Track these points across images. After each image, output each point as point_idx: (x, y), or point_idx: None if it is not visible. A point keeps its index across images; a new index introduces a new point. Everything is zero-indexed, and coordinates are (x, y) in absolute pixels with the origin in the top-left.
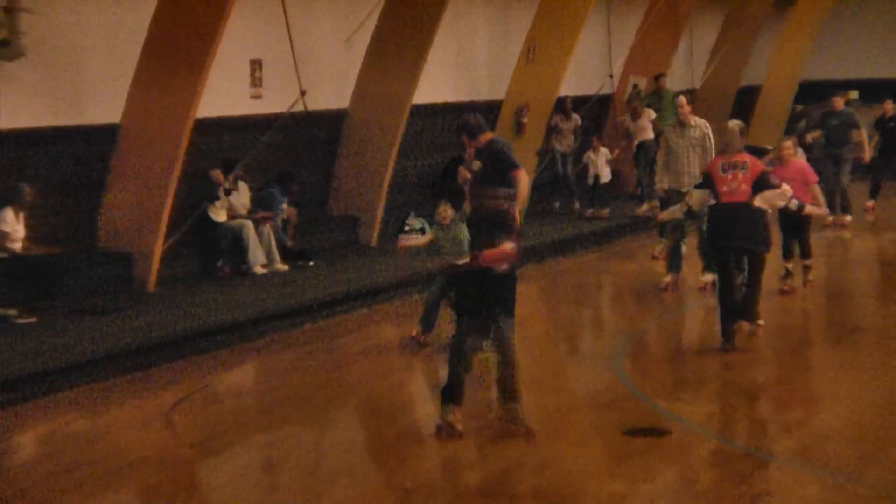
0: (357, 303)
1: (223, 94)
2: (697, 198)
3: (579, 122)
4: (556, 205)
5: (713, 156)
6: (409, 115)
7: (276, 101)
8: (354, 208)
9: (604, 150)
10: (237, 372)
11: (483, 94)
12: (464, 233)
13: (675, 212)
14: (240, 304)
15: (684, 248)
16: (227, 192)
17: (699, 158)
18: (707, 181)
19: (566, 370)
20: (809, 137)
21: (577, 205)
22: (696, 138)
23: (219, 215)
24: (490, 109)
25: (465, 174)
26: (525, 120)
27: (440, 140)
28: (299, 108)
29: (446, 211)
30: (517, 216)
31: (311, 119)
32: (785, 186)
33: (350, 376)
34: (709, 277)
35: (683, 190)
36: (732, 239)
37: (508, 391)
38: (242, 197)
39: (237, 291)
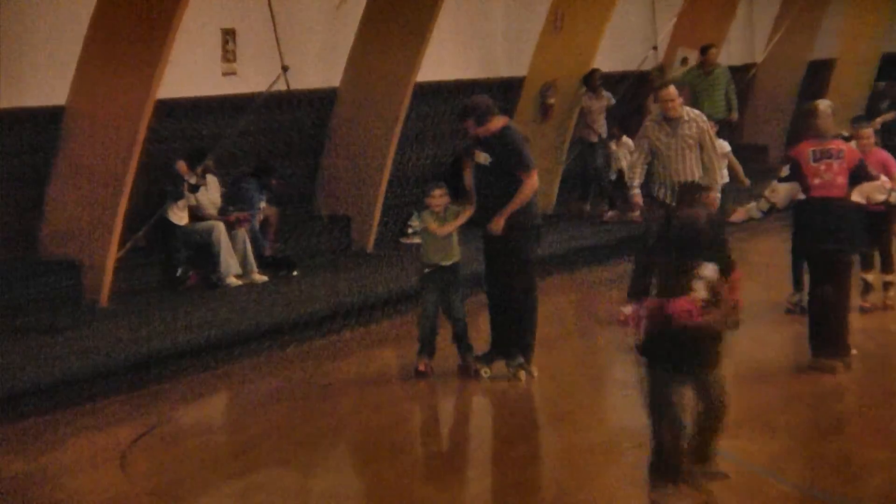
0: (350, 321)
1: (189, 71)
2: (784, 192)
3: (611, 100)
4: (587, 207)
5: (715, 157)
6: (413, 95)
7: (252, 78)
8: (347, 207)
9: (627, 141)
10: (205, 404)
11: (501, 69)
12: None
13: (751, 210)
14: (209, 322)
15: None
16: (194, 189)
17: (697, 161)
18: (795, 172)
19: (603, 402)
20: (879, 121)
21: (587, 206)
22: (690, 136)
23: (182, 217)
24: (509, 88)
25: (471, 167)
26: (551, 101)
27: (449, 125)
28: (280, 86)
29: (442, 196)
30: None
31: (295, 100)
32: (884, 178)
33: (341, 409)
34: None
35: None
36: (825, 241)
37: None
38: (212, 193)
39: (206, 307)
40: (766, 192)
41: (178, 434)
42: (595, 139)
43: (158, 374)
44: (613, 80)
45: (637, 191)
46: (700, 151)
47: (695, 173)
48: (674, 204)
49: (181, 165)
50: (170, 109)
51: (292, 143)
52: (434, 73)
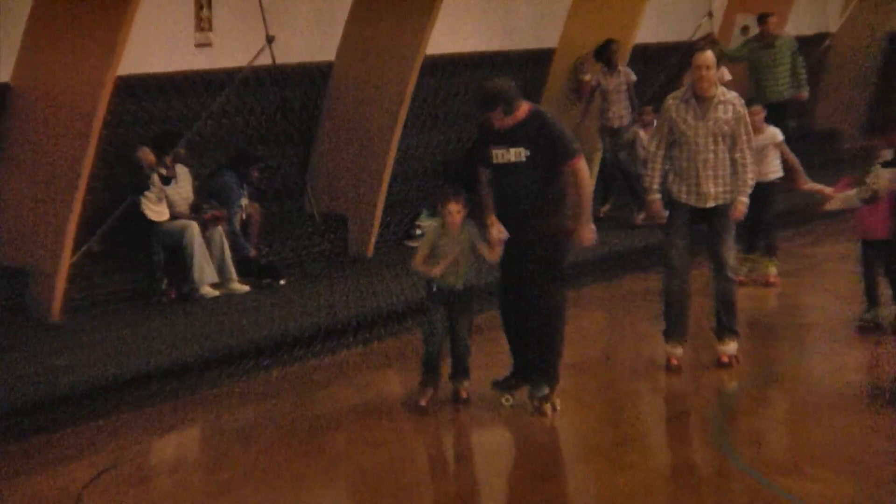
0: (346, 339)
1: (157, 42)
2: (887, 178)
3: (632, 77)
4: (606, 208)
5: (750, 154)
6: (421, 71)
7: (231, 51)
8: (343, 204)
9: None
10: (175, 437)
11: (526, 41)
12: (470, 244)
13: (849, 199)
14: (180, 340)
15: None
16: (166, 181)
17: (727, 156)
18: None
19: (647, 435)
20: None
21: (606, 207)
22: (725, 121)
23: (160, 212)
24: (536, 63)
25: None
26: (587, 77)
27: (464, 107)
28: (265, 60)
29: (459, 211)
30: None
31: (282, 77)
32: None
33: (335, 445)
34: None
35: (709, 205)
36: None
37: None
38: (183, 188)
39: (177, 322)
40: (868, 178)
41: (143, 472)
42: (616, 124)
43: (120, 401)
44: (659, 53)
45: (657, 196)
46: (732, 145)
47: (725, 169)
48: (699, 206)
49: (145, 153)
50: (133, 88)
51: (278, 128)
52: (446, 44)
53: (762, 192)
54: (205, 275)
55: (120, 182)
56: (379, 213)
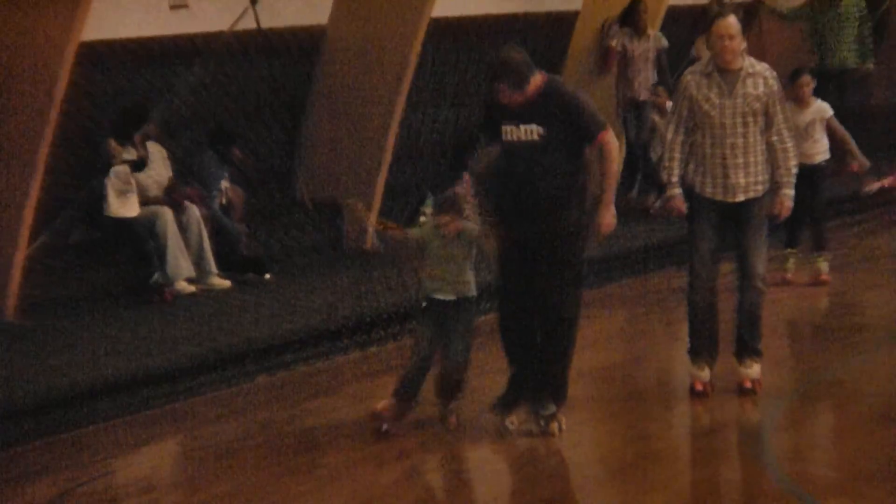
0: (340, 343)
1: (126, 3)
2: None
3: (663, 42)
4: (633, 194)
5: (788, 134)
6: (426, 37)
7: (210, 14)
8: (337, 189)
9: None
10: (150, 452)
11: (546, 2)
12: (467, 248)
13: None
14: (153, 343)
15: None
16: (139, 166)
17: (761, 137)
18: None
19: (682, 451)
20: None
21: (633, 194)
22: (756, 97)
23: (127, 206)
24: (557, 27)
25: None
26: (613, 43)
27: (476, 78)
28: (248, 25)
29: (451, 221)
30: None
31: (268, 43)
32: None
33: (328, 462)
34: None
35: (738, 199)
36: None
37: None
38: (156, 169)
39: (149, 323)
40: None
41: (112, 492)
42: (642, 96)
43: (85, 413)
44: (694, 15)
45: (678, 190)
46: (766, 126)
47: (758, 156)
48: (726, 201)
49: (113, 146)
50: (99, 56)
51: (263, 103)
52: (455, 5)
53: (808, 176)
54: (180, 268)
55: (83, 165)
56: (378, 199)
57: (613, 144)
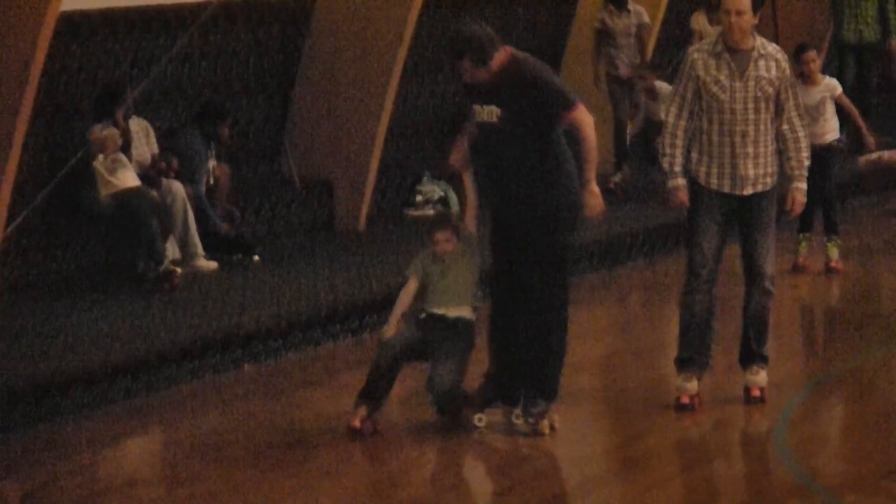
0: (331, 329)
1: None
2: None
3: (644, 19)
4: (617, 178)
5: (800, 122)
6: (423, 6)
7: None
8: (329, 167)
9: (664, 87)
10: (129, 446)
11: None
12: (469, 269)
13: None
14: (136, 329)
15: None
16: (122, 148)
17: (772, 123)
18: None
19: (692, 445)
20: None
21: (619, 175)
22: (768, 80)
23: (110, 184)
24: (559, 2)
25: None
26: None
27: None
28: None
29: (448, 240)
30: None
31: (256, 13)
32: None
33: (319, 458)
34: None
35: (746, 192)
36: None
37: None
38: (139, 147)
39: (129, 309)
40: None
41: (92, 486)
42: (625, 73)
43: (63, 404)
44: None
45: (681, 181)
46: (776, 110)
47: (768, 146)
48: (734, 194)
49: (99, 136)
50: (78, 27)
51: (251, 76)
52: None
53: (818, 157)
54: (164, 251)
55: (64, 140)
56: (372, 177)
57: (586, 122)
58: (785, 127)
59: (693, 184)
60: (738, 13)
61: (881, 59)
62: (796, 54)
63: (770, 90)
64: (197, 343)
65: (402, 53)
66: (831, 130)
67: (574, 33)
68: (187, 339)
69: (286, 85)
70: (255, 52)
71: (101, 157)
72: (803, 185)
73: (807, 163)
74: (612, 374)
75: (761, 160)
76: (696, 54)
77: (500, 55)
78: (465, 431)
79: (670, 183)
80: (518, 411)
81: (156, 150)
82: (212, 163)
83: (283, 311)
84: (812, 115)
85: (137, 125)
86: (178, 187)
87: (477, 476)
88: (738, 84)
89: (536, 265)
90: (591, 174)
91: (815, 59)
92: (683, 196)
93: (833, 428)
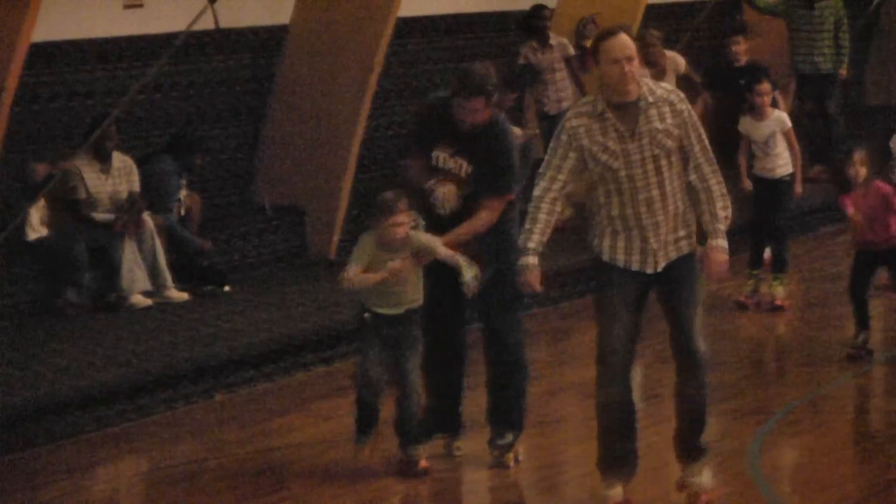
0: (303, 358)
1: (78, 4)
2: None
3: (569, 50)
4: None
5: (706, 162)
6: (394, 35)
7: (166, 13)
8: (300, 195)
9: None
10: (101, 476)
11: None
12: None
13: None
14: (107, 359)
15: None
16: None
17: (679, 179)
18: None
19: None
20: None
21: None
22: (665, 133)
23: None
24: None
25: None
26: (521, 56)
27: (446, 78)
28: (207, 24)
29: (401, 224)
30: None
31: (227, 43)
32: None
33: (290, 486)
34: None
35: (661, 267)
36: None
37: None
38: (117, 181)
39: (101, 338)
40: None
41: None
42: (552, 110)
43: (34, 433)
44: (682, 14)
45: (531, 259)
46: (684, 160)
47: (679, 205)
48: (644, 271)
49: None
50: (51, 56)
51: (222, 104)
52: (424, 3)
53: (769, 191)
54: (136, 281)
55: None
56: (344, 205)
57: (495, 213)
58: (693, 177)
59: (598, 261)
60: (629, 59)
61: (832, 87)
62: (748, 86)
63: (669, 143)
64: (169, 373)
65: (374, 81)
66: (783, 164)
67: None
68: (159, 368)
69: (258, 113)
70: (226, 80)
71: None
72: (723, 243)
73: (723, 214)
74: (590, 400)
75: (672, 224)
76: (576, 120)
77: (491, 111)
78: (442, 459)
79: (521, 261)
80: (459, 443)
81: (136, 187)
82: (183, 192)
83: (254, 341)
84: (762, 149)
85: (120, 161)
86: (145, 219)
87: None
88: (630, 146)
89: (502, 307)
90: (452, 239)
91: (768, 92)
92: (534, 278)
93: (805, 454)
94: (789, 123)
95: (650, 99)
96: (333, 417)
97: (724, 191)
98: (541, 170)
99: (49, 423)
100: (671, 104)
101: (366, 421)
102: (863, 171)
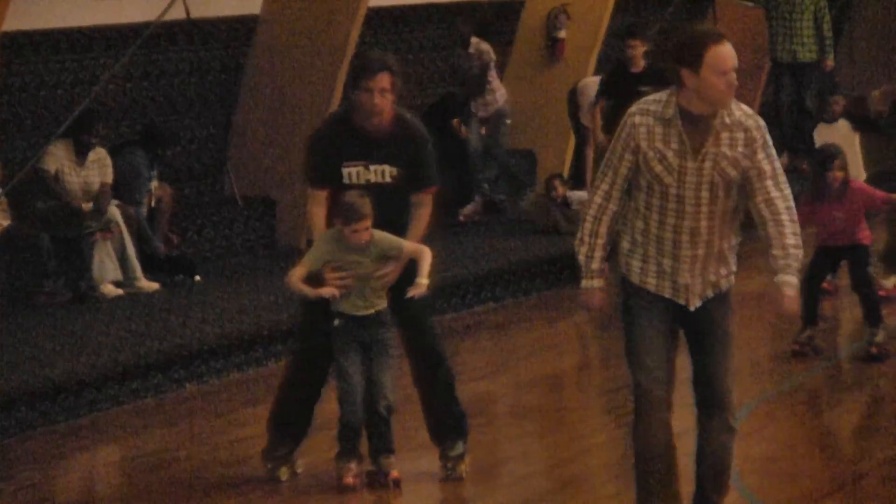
0: (274, 348)
1: None
2: None
3: (490, 55)
4: (468, 208)
5: (778, 192)
6: (364, 26)
7: (137, 3)
8: (270, 185)
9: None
10: (71, 465)
11: None
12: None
13: None
14: (77, 349)
15: None
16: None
17: (735, 215)
18: None
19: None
20: None
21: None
22: (733, 162)
23: None
24: (501, 16)
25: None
26: (562, 34)
27: (417, 69)
28: (178, 14)
29: (367, 228)
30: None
31: (199, 33)
32: None
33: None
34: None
35: (694, 305)
36: None
37: None
38: (88, 175)
39: (72, 328)
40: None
41: None
42: (480, 112)
43: (2, 423)
44: (653, 4)
45: (597, 282)
46: (748, 193)
47: (723, 243)
48: (676, 301)
49: None
50: (20, 47)
51: (193, 94)
52: None
53: None
54: (105, 271)
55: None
56: None
57: (430, 208)
58: (762, 209)
59: (624, 281)
60: (735, 71)
61: (819, 80)
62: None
63: (733, 173)
64: (139, 363)
65: (342, 76)
66: None
67: (515, 50)
68: (130, 358)
69: (228, 104)
70: (196, 71)
71: None
72: (793, 279)
73: (795, 251)
74: (556, 392)
75: (712, 264)
76: (639, 117)
77: (393, 107)
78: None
79: (584, 283)
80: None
81: (109, 178)
82: (154, 183)
83: (225, 331)
84: None
85: (95, 153)
86: (113, 210)
87: (425, 492)
88: (689, 164)
89: (428, 321)
90: (416, 239)
91: None
92: (600, 299)
93: (776, 446)
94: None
95: (727, 120)
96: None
97: (797, 224)
98: (601, 171)
99: (20, 413)
100: (746, 130)
101: (347, 441)
102: (840, 176)
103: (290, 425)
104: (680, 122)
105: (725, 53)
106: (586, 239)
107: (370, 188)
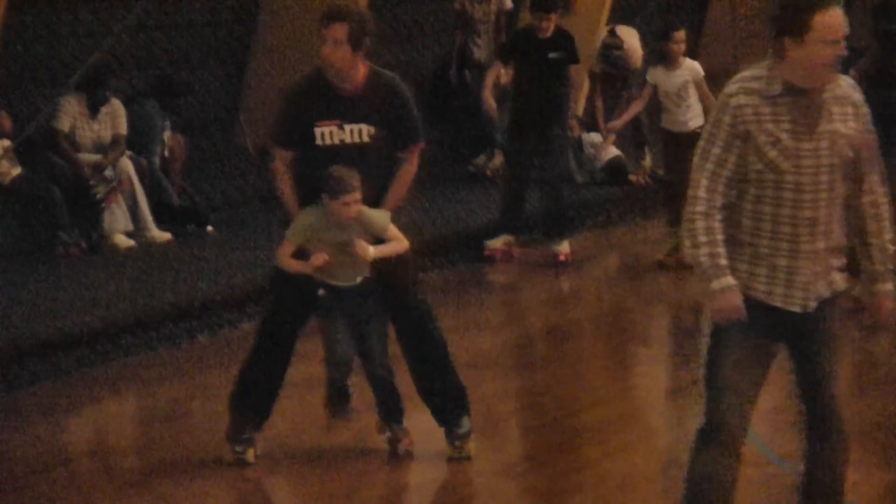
0: None
1: None
2: None
3: (507, 5)
4: (477, 162)
5: (878, 178)
6: None
7: None
8: None
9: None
10: (82, 415)
11: None
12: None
13: None
14: (89, 300)
15: None
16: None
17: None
18: None
19: (646, 412)
20: None
21: (495, 160)
22: (848, 138)
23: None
24: None
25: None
26: (456, 5)
27: (437, 18)
28: None
29: (356, 201)
30: None
31: None
32: None
33: (274, 425)
34: None
35: (810, 307)
36: None
37: None
38: (101, 126)
39: (84, 279)
40: None
41: (40, 460)
42: (480, 57)
43: (16, 375)
44: None
45: (731, 280)
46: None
47: (840, 232)
48: (789, 308)
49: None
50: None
51: (205, 44)
52: None
53: (679, 146)
54: (117, 222)
55: (19, 114)
56: None
57: (416, 166)
58: (865, 199)
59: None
60: (844, 41)
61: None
62: (665, 35)
63: (850, 153)
64: (151, 313)
65: None
66: (694, 116)
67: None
68: (142, 309)
69: (241, 54)
70: (210, 21)
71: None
72: (891, 287)
73: (892, 248)
74: (567, 343)
75: (830, 258)
76: (743, 97)
77: (364, 63)
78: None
79: (715, 283)
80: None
81: (123, 130)
82: (167, 134)
83: (237, 281)
84: (673, 100)
85: (109, 106)
86: (124, 163)
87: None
88: (805, 146)
89: (407, 276)
90: (393, 205)
91: (683, 40)
92: (739, 299)
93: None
94: (702, 73)
95: (836, 91)
96: (316, 357)
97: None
98: (697, 160)
99: (32, 364)
100: (855, 105)
101: (336, 403)
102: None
103: (256, 404)
104: (789, 98)
105: (835, 20)
106: (702, 238)
107: (344, 149)
